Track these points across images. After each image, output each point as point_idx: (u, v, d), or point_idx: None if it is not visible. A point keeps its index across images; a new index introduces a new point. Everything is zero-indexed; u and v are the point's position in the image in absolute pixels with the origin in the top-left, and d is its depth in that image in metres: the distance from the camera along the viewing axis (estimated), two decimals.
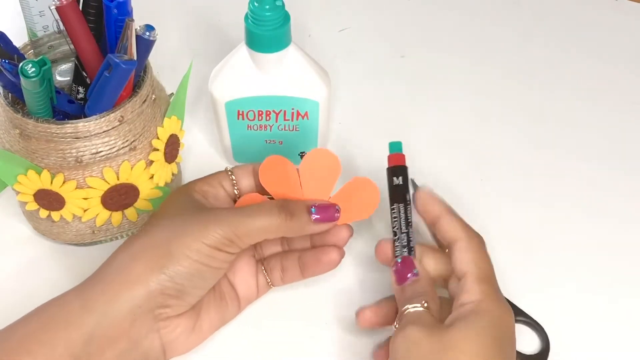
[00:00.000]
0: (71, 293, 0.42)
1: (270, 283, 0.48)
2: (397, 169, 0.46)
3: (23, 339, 0.40)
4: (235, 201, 0.47)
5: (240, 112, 0.52)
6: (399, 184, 0.46)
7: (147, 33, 0.44)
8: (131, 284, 0.40)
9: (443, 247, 0.45)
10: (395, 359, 0.39)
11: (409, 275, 0.42)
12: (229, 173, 0.47)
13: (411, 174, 0.57)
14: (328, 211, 0.44)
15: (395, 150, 0.47)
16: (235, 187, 0.47)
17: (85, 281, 0.42)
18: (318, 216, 0.43)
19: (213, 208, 0.45)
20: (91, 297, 0.41)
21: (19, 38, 0.48)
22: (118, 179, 0.47)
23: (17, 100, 0.46)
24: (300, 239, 0.48)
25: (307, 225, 0.43)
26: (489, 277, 0.41)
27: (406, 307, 0.40)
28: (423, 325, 0.39)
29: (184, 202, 0.45)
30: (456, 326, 0.39)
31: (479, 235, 0.44)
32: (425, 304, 0.40)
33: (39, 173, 0.45)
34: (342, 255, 0.46)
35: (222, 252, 0.42)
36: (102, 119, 0.44)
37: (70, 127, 0.43)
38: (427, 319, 0.40)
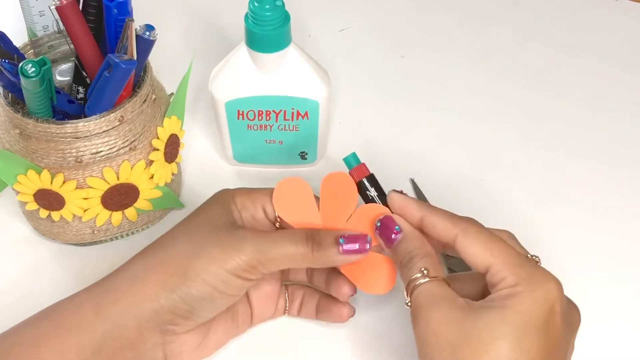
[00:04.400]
0: (83, 295, 0.41)
1: (287, 310, 0.47)
2: (369, 180, 0.44)
3: (34, 343, 0.39)
4: (274, 224, 0.45)
5: (240, 112, 0.52)
6: (376, 194, 0.44)
7: (147, 33, 0.44)
8: (142, 298, 0.40)
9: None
10: (419, 347, 0.38)
11: (392, 236, 0.41)
12: None
13: (411, 174, 0.57)
14: (358, 242, 0.41)
15: (355, 163, 0.45)
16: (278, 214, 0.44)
17: (98, 284, 0.42)
18: (347, 248, 0.41)
19: (242, 229, 0.42)
20: (104, 304, 0.40)
21: (19, 38, 0.48)
22: (118, 179, 0.47)
23: (17, 100, 0.46)
24: (318, 276, 0.47)
25: (334, 256, 0.41)
26: (512, 258, 0.38)
27: (410, 280, 0.39)
28: (440, 308, 0.37)
29: (216, 212, 0.43)
30: (482, 312, 0.36)
31: (469, 219, 0.41)
32: (425, 270, 0.39)
33: (39, 173, 0.45)
34: (352, 312, 0.46)
35: (240, 279, 0.40)
36: (102, 119, 0.44)
37: (70, 127, 0.43)
38: (441, 295, 0.38)
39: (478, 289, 0.41)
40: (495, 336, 0.35)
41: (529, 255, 0.41)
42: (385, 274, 0.43)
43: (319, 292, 0.47)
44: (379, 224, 0.42)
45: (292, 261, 0.41)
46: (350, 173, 0.44)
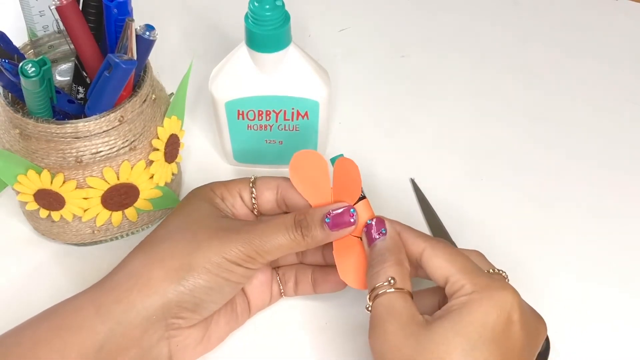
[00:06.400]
0: (83, 297, 0.41)
1: (282, 293, 0.48)
2: None
3: (33, 344, 0.39)
4: (252, 211, 0.46)
5: (240, 112, 0.52)
6: (363, 196, 0.45)
7: (147, 33, 0.44)
8: (148, 293, 0.40)
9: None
10: (375, 359, 0.39)
11: (376, 235, 0.42)
12: (251, 184, 0.46)
13: (411, 174, 0.57)
14: (343, 217, 0.42)
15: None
16: (254, 199, 0.45)
17: (98, 285, 0.42)
18: (333, 225, 0.42)
19: (234, 221, 0.44)
20: (106, 303, 0.40)
21: (19, 38, 0.48)
22: (118, 179, 0.47)
23: (17, 100, 0.46)
24: (312, 252, 0.47)
25: (324, 237, 0.43)
26: (471, 268, 0.39)
27: (375, 286, 0.40)
28: (399, 322, 0.38)
29: (205, 209, 0.44)
30: (437, 325, 0.37)
31: (442, 239, 0.42)
32: (392, 280, 0.39)
33: (39, 173, 0.45)
34: None
35: (241, 267, 0.41)
36: (102, 119, 0.44)
37: (70, 127, 0.43)
38: (401, 309, 0.38)
39: (434, 304, 0.42)
40: (449, 349, 0.36)
41: (495, 270, 0.42)
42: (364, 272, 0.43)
43: (311, 266, 0.48)
44: (369, 222, 0.43)
45: (286, 249, 0.42)
46: None
